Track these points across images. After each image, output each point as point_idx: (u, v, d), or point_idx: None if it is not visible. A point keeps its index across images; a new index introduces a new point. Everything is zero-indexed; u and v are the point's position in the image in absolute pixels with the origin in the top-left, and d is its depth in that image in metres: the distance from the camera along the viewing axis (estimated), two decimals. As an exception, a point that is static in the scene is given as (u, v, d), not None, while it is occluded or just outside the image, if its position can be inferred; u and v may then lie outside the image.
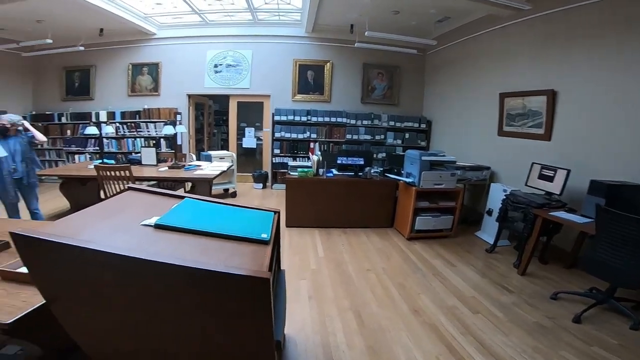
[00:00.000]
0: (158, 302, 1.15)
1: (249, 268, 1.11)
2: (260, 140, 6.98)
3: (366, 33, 5.15)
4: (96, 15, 5.16)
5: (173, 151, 6.58)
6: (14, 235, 1.07)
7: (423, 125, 6.62)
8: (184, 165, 4.48)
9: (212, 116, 8.83)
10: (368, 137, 6.52)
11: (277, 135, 6.32)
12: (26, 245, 1.09)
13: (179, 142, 6.59)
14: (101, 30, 5.96)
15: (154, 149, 4.57)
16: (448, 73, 6.01)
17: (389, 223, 4.59)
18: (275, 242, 1.56)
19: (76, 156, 6.81)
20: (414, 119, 6.62)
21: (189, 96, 6.74)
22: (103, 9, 4.85)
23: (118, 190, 3.93)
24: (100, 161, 4.63)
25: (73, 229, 1.22)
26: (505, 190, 3.84)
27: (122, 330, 1.26)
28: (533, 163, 3.71)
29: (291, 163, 4.56)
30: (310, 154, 6.14)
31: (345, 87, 6.70)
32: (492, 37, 4.84)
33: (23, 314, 1.35)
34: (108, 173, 3.88)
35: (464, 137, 5.52)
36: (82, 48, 5.88)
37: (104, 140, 6.66)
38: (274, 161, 6.46)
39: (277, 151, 6.38)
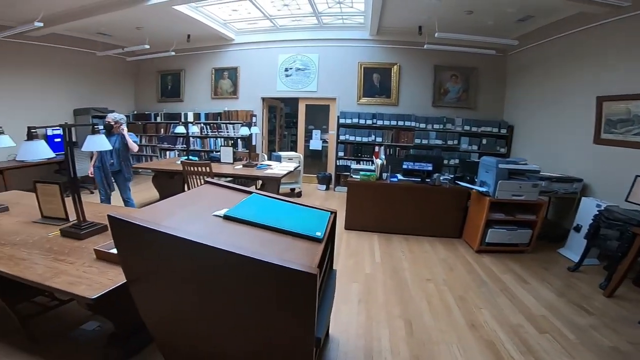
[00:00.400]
0: (217, 287, 1.28)
1: (299, 263, 1.16)
2: (326, 142, 7.14)
3: (436, 34, 4.94)
4: (184, 23, 5.76)
5: (248, 151, 7.11)
6: (110, 217, 1.29)
7: (503, 131, 6.07)
8: (257, 164, 4.81)
9: (283, 118, 9.30)
10: (439, 142, 6.21)
11: (341, 138, 6.40)
12: (118, 227, 1.30)
13: (253, 143, 7.09)
14: (188, 36, 6.65)
15: (231, 148, 5.02)
16: (534, 75, 5.43)
17: (457, 234, 4.32)
18: (329, 241, 1.60)
19: (167, 152, 7.77)
20: (493, 123, 6.11)
21: (263, 99, 7.20)
22: (190, 16, 5.44)
23: (200, 184, 4.39)
24: (186, 158, 5.23)
25: (157, 216, 1.41)
26: (599, 206, 3.34)
27: (182, 312, 1.41)
28: (637, 176, 3.15)
29: (354, 166, 4.57)
30: (374, 157, 6.09)
31: (414, 89, 6.49)
32: (586, 36, 4.26)
33: (106, 290, 1.50)
34: (192, 168, 4.37)
35: (551, 145, 4.92)
36: (173, 53, 6.67)
37: (190, 139, 7.49)
38: (337, 164, 6.55)
39: (341, 154, 6.45)
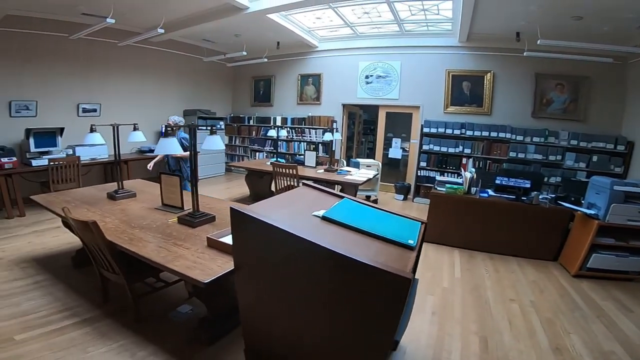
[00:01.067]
0: (313, 280, 1.39)
1: (393, 267, 1.20)
2: (406, 151, 6.98)
3: (538, 41, 4.50)
4: (274, 30, 6.21)
5: (328, 156, 7.35)
6: (232, 209, 1.50)
7: (620, 147, 5.19)
8: (337, 170, 4.96)
9: (361, 125, 9.38)
10: (538, 156, 5.59)
11: (425, 147, 6.19)
12: (236, 217, 1.50)
13: (333, 148, 7.31)
14: (278, 43, 7.13)
15: (314, 152, 5.28)
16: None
17: (552, 256, 3.92)
18: (419, 250, 1.60)
19: (257, 154, 8.46)
20: (607, 138, 5.27)
21: (344, 106, 7.37)
22: (279, 24, 5.86)
23: (286, 184, 4.72)
24: (275, 159, 5.65)
25: (267, 211, 1.59)
26: None
27: (273, 303, 1.54)
28: None
29: (439, 178, 4.40)
30: (462, 170, 5.76)
31: (510, 99, 5.97)
32: None
33: (217, 276, 1.66)
34: (280, 170, 4.71)
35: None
36: (266, 60, 7.26)
37: (278, 142, 8.05)
38: (418, 174, 6.35)
39: (423, 164, 6.24)
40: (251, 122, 8.50)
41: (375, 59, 6.83)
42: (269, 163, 4.91)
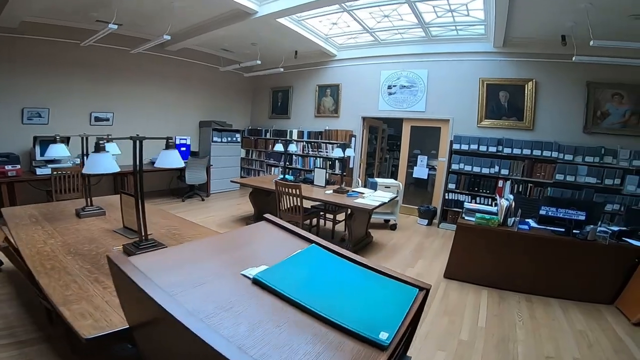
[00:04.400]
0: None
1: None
2: (434, 170, 6.22)
3: (592, 42, 3.73)
4: (291, 38, 5.87)
5: (343, 174, 6.76)
6: (108, 258, 0.97)
7: (703, 172, 4.17)
8: (348, 191, 4.35)
9: (385, 141, 8.71)
10: (592, 180, 4.65)
11: (454, 167, 5.41)
12: (115, 270, 0.97)
13: (350, 165, 6.73)
14: (296, 52, 6.77)
15: (324, 170, 4.72)
16: None
17: (608, 299, 3.15)
18: (401, 344, 0.98)
19: (272, 169, 8.05)
20: (684, 160, 4.27)
21: (364, 119, 6.79)
22: (294, 30, 5.49)
23: (291, 204, 4.19)
24: (282, 177, 5.16)
25: (171, 264, 1.04)
26: None
27: None
28: None
29: (468, 204, 3.65)
30: (497, 195, 4.95)
31: (557, 111, 5.10)
32: None
33: (105, 333, 1.28)
34: (284, 189, 4.19)
35: None
36: (282, 69, 6.88)
37: (293, 157, 7.61)
38: (446, 197, 5.56)
39: (452, 186, 5.46)
40: (268, 135, 8.14)
41: (398, 68, 6.24)
42: (274, 181, 4.40)
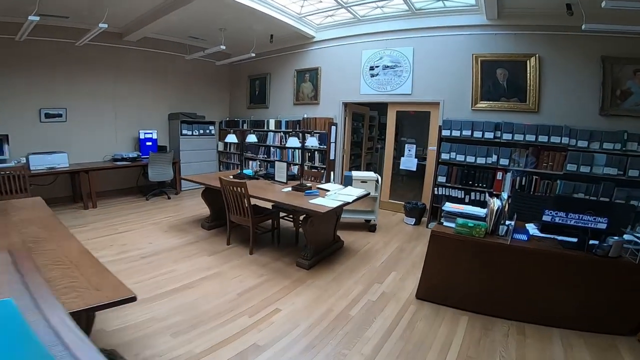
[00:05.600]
0: None
1: None
2: (425, 161, 5.41)
3: (603, 3, 2.92)
4: (261, 22, 5.22)
5: (324, 167, 6.02)
6: None
7: None
8: (308, 188, 3.61)
9: (375, 129, 7.89)
10: (612, 170, 3.80)
11: (444, 156, 4.60)
12: None
13: (331, 157, 5.97)
14: (271, 36, 6.04)
15: (285, 164, 3.96)
16: None
17: (627, 329, 2.35)
18: None
19: (250, 162, 7.34)
20: None
21: (345, 105, 6.00)
22: (260, 11, 4.76)
23: (239, 206, 3.49)
24: (240, 172, 4.45)
25: None
26: None
27: None
28: None
29: (448, 206, 2.84)
30: (493, 191, 4.17)
31: (566, 90, 4.24)
32: None
33: None
34: (229, 187, 3.50)
35: None
36: (253, 55, 6.16)
37: (271, 149, 6.89)
38: (436, 192, 4.76)
39: (442, 179, 4.65)
40: (245, 127, 7.42)
41: (381, 46, 5.40)
42: (219, 177, 3.69)
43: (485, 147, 4.37)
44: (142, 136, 6.42)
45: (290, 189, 3.68)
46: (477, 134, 4.38)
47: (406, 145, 5.30)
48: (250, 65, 7.40)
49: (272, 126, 6.75)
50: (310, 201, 3.15)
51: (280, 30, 5.78)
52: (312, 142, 4.26)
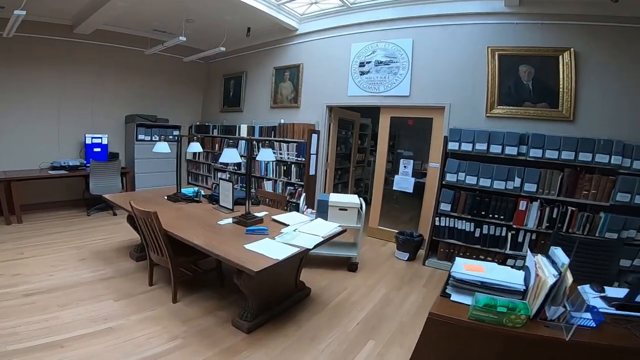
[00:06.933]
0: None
1: None
2: (423, 177, 4.33)
3: None
4: (233, 11, 4.44)
5: (302, 183, 4.94)
6: None
7: None
8: (251, 223, 2.52)
9: (368, 139, 6.83)
10: (682, 205, 2.74)
11: (449, 178, 3.52)
12: None
13: (311, 172, 4.91)
14: (248, 29, 5.10)
15: (231, 184, 2.87)
16: None
17: None
18: None
19: (219, 173, 6.28)
20: None
21: (330, 108, 4.96)
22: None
23: (154, 242, 2.41)
24: (178, 192, 3.37)
25: None
26: None
27: None
28: None
29: (457, 271, 1.69)
30: (513, 224, 3.12)
31: (610, 94, 3.22)
32: None
33: None
34: (140, 216, 2.43)
35: None
36: (222, 49, 5.17)
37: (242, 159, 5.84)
38: (437, 222, 3.67)
39: (445, 207, 3.55)
40: (215, 133, 6.38)
41: (373, 38, 4.40)
42: (130, 202, 2.59)
43: (506, 166, 3.29)
44: (88, 141, 5.38)
45: (231, 220, 2.59)
46: (496, 149, 3.31)
47: (402, 161, 4.22)
48: (224, 63, 6.46)
49: (243, 132, 5.71)
50: (247, 246, 2.06)
51: (258, 21, 4.90)
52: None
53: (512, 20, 3.61)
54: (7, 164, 4.76)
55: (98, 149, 5.47)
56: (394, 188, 4.28)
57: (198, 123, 6.94)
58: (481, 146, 3.36)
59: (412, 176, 4.18)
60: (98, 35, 5.32)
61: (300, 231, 2.42)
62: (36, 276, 2.96)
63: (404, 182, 4.16)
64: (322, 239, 2.29)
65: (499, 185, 3.32)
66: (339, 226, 2.59)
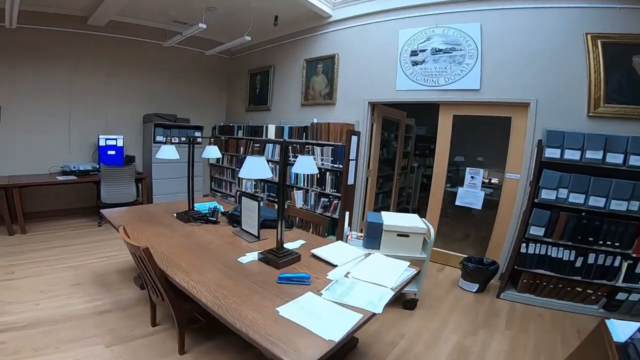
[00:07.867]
0: None
1: None
2: (491, 187, 3.45)
3: None
4: None
5: (339, 194, 4.17)
6: None
7: None
8: (283, 261, 1.78)
9: (411, 142, 5.96)
10: None
11: (544, 195, 2.65)
12: None
13: (349, 182, 4.15)
14: (275, 18, 4.44)
15: (256, 204, 2.14)
16: None
17: None
18: None
19: (243, 181, 5.64)
20: None
21: (373, 106, 4.18)
22: None
23: (150, 280, 1.75)
24: (190, 209, 2.71)
25: None
26: None
27: None
28: None
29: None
30: (632, 252, 2.23)
31: None
32: None
33: None
34: (131, 249, 1.77)
35: None
36: (248, 39, 4.53)
37: (269, 164, 5.17)
38: (521, 249, 2.80)
39: (536, 231, 2.69)
40: (240, 134, 5.76)
41: (428, 23, 3.57)
42: (120, 227, 1.93)
43: (631, 182, 2.39)
44: (102, 143, 4.90)
45: (256, 256, 1.87)
46: (614, 158, 2.42)
47: (468, 170, 3.37)
48: (250, 57, 5.86)
49: (271, 134, 5.03)
50: (283, 311, 1.32)
51: (286, 8, 4.25)
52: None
53: (614, 5, 2.70)
54: (16, 168, 4.38)
55: (112, 152, 4.98)
56: (456, 203, 3.43)
57: (222, 123, 6.36)
58: (594, 154, 2.47)
59: (480, 189, 3.32)
60: (113, 27, 4.85)
61: (354, 277, 1.67)
62: (20, 305, 2.45)
63: (470, 196, 3.31)
64: (393, 294, 1.53)
65: (618, 205, 2.42)
66: (408, 271, 1.81)
